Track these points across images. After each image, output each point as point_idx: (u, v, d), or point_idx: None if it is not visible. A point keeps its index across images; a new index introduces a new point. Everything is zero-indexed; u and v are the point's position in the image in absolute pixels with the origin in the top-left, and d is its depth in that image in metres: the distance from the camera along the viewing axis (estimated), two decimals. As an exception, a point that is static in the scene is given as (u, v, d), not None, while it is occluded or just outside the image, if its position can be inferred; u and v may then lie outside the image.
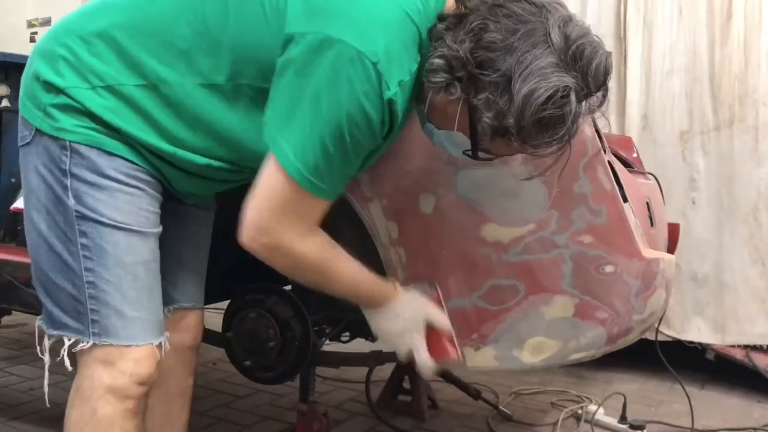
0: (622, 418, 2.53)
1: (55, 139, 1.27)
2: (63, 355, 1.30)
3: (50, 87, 1.28)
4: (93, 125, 1.27)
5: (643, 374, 3.21)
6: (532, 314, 1.48)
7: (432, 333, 1.44)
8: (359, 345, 2.16)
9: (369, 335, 2.11)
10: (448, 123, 1.22)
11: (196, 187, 1.42)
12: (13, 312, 2.56)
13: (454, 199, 1.49)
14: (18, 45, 4.01)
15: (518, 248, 1.47)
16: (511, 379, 3.02)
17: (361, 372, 2.60)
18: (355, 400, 2.73)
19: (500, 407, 2.63)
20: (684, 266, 3.12)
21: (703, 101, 3.11)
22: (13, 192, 2.27)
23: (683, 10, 3.14)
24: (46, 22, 4.49)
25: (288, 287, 1.92)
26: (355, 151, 1.21)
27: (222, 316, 1.94)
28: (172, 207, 1.44)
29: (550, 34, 1.11)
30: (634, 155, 2.44)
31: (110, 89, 1.27)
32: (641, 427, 2.51)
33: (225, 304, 1.97)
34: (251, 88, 1.25)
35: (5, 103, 2.37)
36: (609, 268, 1.46)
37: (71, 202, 1.27)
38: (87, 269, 1.27)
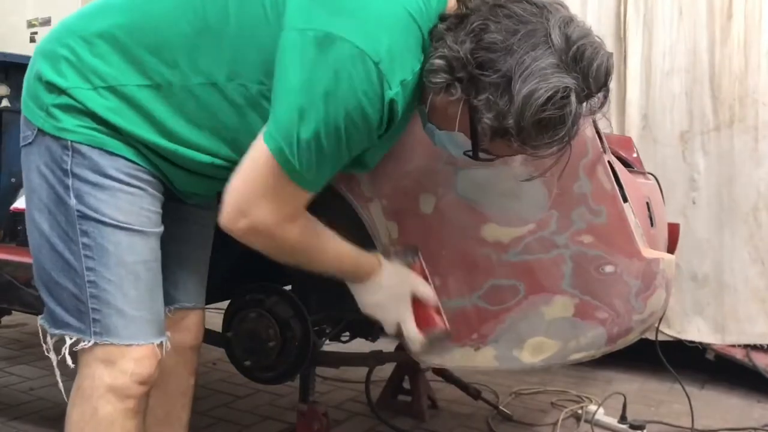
0: (622, 418, 2.53)
1: (57, 139, 1.27)
2: (64, 353, 1.30)
3: (52, 87, 1.28)
4: (95, 125, 1.27)
5: (643, 374, 3.21)
6: (532, 314, 1.49)
7: (418, 304, 1.44)
8: (359, 345, 2.16)
9: (369, 335, 2.11)
10: (449, 123, 1.22)
11: (197, 186, 1.42)
12: (13, 312, 2.55)
13: (454, 199, 1.49)
14: (18, 45, 4.01)
15: (518, 248, 1.47)
16: (511, 379, 3.02)
17: (361, 372, 2.61)
18: (355, 400, 2.73)
19: (500, 407, 2.63)
20: (684, 266, 3.12)
21: (703, 101, 3.11)
22: (13, 192, 2.27)
23: (683, 10, 3.14)
24: (46, 22, 4.49)
25: (288, 287, 1.92)
26: (348, 148, 1.21)
27: (222, 316, 1.94)
28: (174, 207, 1.44)
29: (550, 35, 1.11)
30: (634, 155, 2.44)
31: (112, 90, 1.27)
32: (641, 427, 2.51)
33: (225, 304, 1.98)
34: (252, 87, 1.25)
35: (5, 103, 2.37)
36: (609, 268, 1.46)
37: (73, 201, 1.27)
38: (88, 269, 1.27)
